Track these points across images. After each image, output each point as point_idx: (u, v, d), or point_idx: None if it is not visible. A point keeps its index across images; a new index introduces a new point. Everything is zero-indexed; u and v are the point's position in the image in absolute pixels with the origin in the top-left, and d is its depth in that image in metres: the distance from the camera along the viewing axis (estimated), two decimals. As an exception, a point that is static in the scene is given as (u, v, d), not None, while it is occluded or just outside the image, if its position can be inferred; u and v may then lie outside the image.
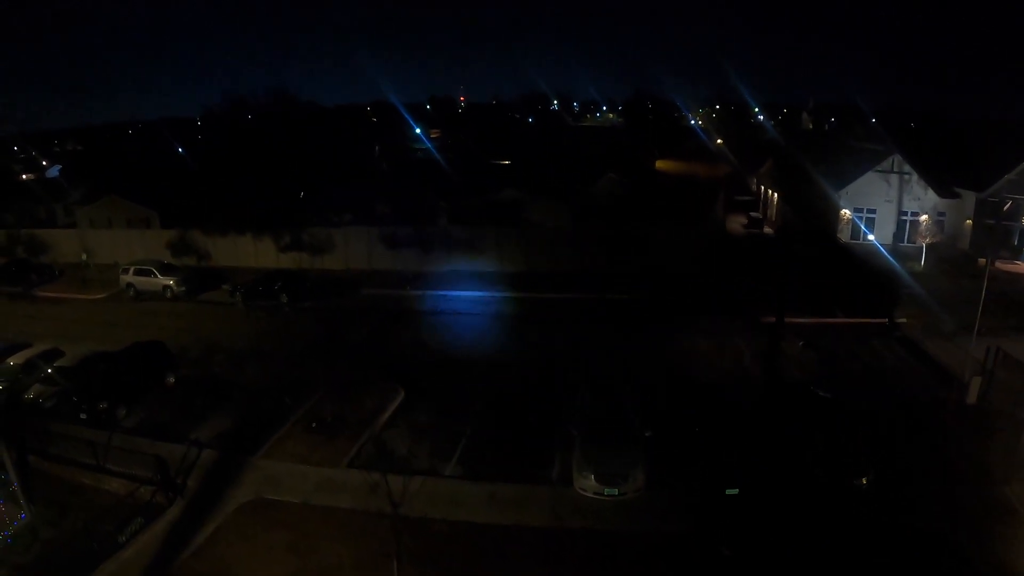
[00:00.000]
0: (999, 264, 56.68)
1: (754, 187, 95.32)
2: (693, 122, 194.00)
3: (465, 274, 57.53)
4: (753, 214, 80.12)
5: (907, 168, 62.20)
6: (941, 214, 62.99)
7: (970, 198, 61.79)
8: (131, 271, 56.30)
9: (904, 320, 43.93)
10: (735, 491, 25.41)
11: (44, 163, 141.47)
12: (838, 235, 64.17)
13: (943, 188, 62.99)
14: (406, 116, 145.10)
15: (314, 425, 31.90)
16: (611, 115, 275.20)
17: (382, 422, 32.53)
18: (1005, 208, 59.75)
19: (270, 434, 31.37)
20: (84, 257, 59.74)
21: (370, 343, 43.96)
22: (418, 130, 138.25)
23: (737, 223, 78.70)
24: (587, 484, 25.96)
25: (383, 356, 41.21)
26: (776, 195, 78.94)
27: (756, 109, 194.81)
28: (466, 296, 52.96)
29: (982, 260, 46.55)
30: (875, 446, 28.03)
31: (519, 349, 42.14)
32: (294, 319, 49.31)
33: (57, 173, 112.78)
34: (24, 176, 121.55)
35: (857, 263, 55.68)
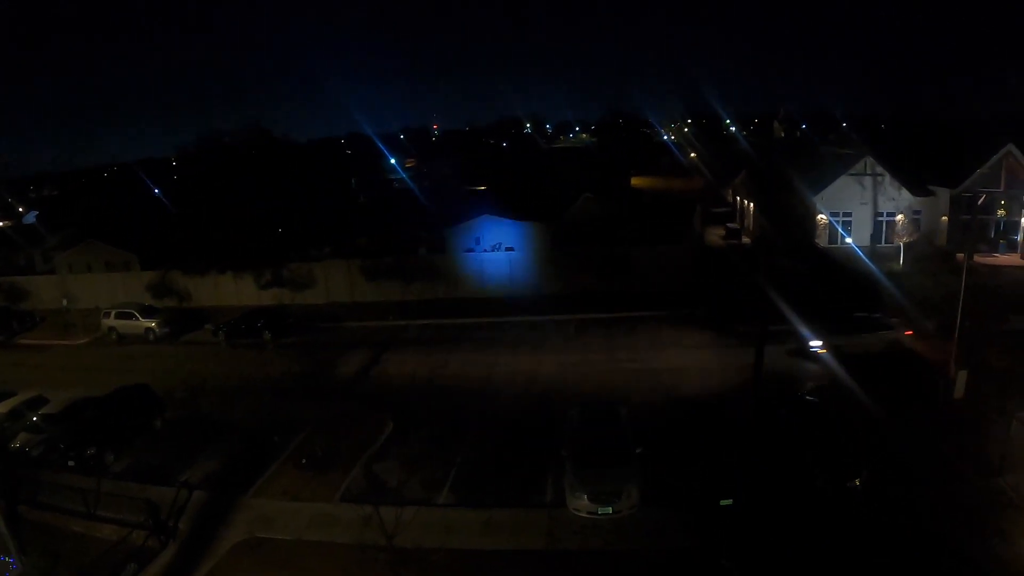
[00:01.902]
0: (977, 258, 57.33)
1: (730, 198, 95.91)
2: (666, 137, 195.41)
3: (448, 301, 57.63)
4: (731, 225, 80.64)
5: (880, 169, 62.91)
6: (917, 212, 63.84)
7: (944, 195, 62.64)
8: (112, 315, 56.12)
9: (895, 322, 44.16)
10: (729, 502, 25.44)
11: (20, 209, 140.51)
12: (816, 240, 64.68)
13: (917, 187, 63.77)
14: (381, 147, 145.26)
15: (304, 461, 31.71)
16: (584, 135, 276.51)
17: (373, 454, 32.38)
18: (979, 202, 60.56)
19: (260, 472, 31.18)
20: (65, 303, 59.37)
21: (356, 375, 43.92)
22: (393, 160, 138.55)
23: (716, 235, 79.28)
24: (581, 504, 25.92)
25: (370, 388, 41.29)
26: (752, 205, 79.51)
27: (727, 121, 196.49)
28: (450, 323, 52.99)
29: (960, 255, 47.00)
30: (866, 446, 28.21)
31: (506, 373, 42.12)
32: (278, 356, 48.94)
33: (34, 219, 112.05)
34: (0, 223, 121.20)
35: (836, 267, 56.16)
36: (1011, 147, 60.70)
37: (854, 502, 25.60)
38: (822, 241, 65.17)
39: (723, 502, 25.45)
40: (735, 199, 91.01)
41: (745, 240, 76.38)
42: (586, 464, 27.12)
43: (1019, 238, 62.34)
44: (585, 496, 25.84)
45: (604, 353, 44.50)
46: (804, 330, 41.55)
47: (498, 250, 65.15)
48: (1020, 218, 62.19)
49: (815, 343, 40.96)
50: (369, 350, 48.33)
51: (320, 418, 35.99)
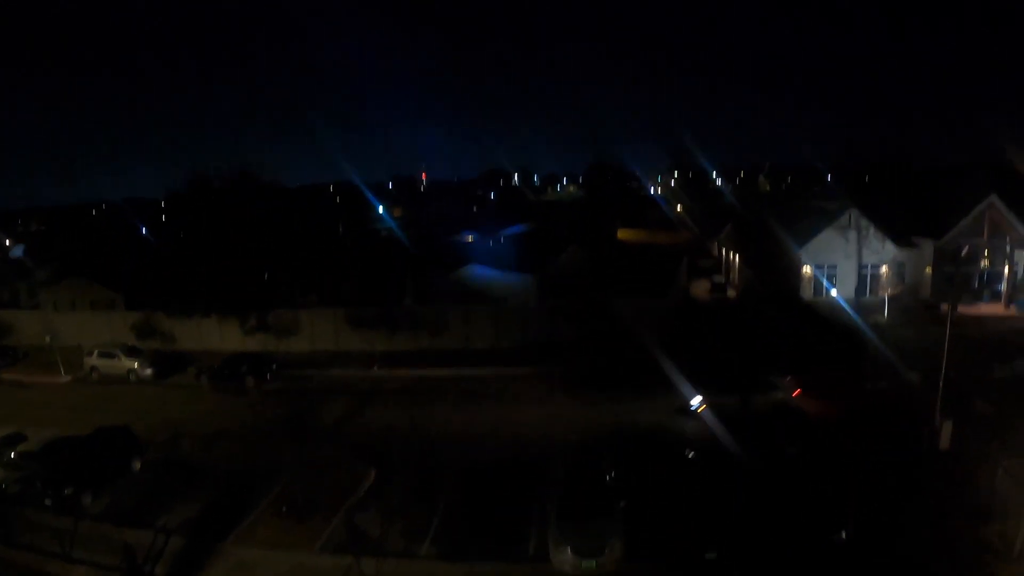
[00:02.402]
0: (962, 308, 57.73)
1: (716, 251, 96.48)
2: (652, 191, 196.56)
3: (433, 352, 57.26)
4: (716, 278, 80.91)
5: (864, 222, 63.71)
6: (901, 264, 64.85)
7: (928, 246, 63.48)
8: (95, 354, 55.76)
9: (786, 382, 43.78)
10: (714, 555, 25.21)
11: (7, 243, 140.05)
12: (801, 293, 64.94)
13: (901, 239, 64.59)
14: (369, 196, 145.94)
15: (284, 509, 31.27)
16: (572, 188, 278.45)
17: (354, 503, 31.98)
18: (963, 254, 61.16)
19: (240, 519, 30.70)
20: (48, 339, 58.87)
21: (339, 423, 43.51)
22: (381, 209, 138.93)
23: (701, 288, 79.41)
24: (564, 558, 25.56)
25: (353, 436, 40.79)
26: (738, 258, 79.94)
27: (714, 174, 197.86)
28: (434, 374, 52.61)
29: (945, 306, 47.43)
30: (851, 499, 28.07)
31: (490, 424, 41.76)
32: (261, 401, 48.38)
33: (21, 253, 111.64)
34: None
35: (821, 320, 56.31)
36: (994, 198, 61.79)
37: (838, 555, 25.44)
38: (807, 294, 65.56)
39: (708, 555, 25.24)
40: (721, 252, 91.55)
41: (731, 294, 76.56)
42: (570, 517, 26.83)
43: (1003, 288, 63.16)
44: (568, 549, 25.50)
45: (586, 404, 44.21)
46: (687, 389, 42.23)
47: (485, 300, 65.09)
48: (1003, 268, 62.96)
49: (694, 401, 41.24)
50: (353, 398, 47.98)
51: (301, 465, 35.52)
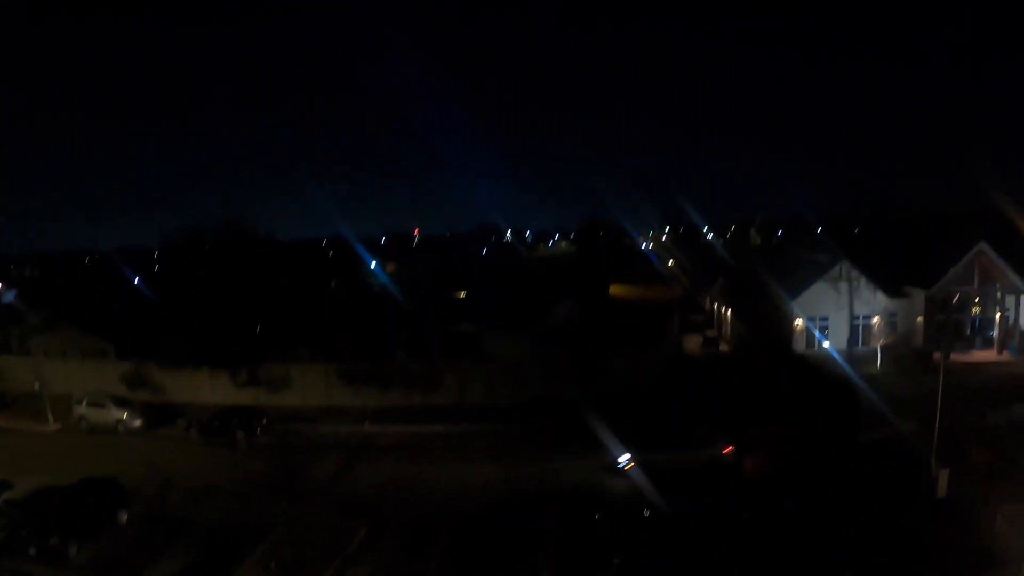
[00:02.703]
0: (954, 356, 57.83)
1: (707, 306, 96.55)
2: (644, 246, 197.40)
3: (426, 408, 56.62)
4: (708, 332, 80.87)
5: (855, 273, 64.08)
6: (892, 314, 64.99)
7: (919, 296, 63.85)
8: (85, 403, 55.24)
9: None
10: None
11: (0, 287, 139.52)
12: (793, 346, 64.91)
13: (892, 289, 64.98)
14: (361, 251, 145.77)
15: (273, 565, 30.73)
16: (564, 243, 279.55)
17: (344, 560, 31.43)
18: (954, 302, 61.47)
19: (228, 574, 30.13)
20: (37, 387, 58.41)
21: (329, 479, 42.90)
22: (373, 264, 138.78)
23: (694, 343, 79.31)
24: None
25: (343, 492, 40.27)
26: (730, 312, 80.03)
27: (705, 229, 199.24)
28: (427, 431, 52.12)
29: (937, 355, 47.51)
30: (851, 550, 27.86)
31: (483, 480, 41.22)
32: (251, 455, 48.02)
33: (13, 298, 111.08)
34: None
35: (813, 373, 56.15)
36: (983, 245, 62.40)
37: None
38: (800, 346, 65.50)
39: None
40: (713, 306, 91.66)
41: (724, 348, 76.47)
42: (565, 573, 26.49)
43: (995, 334, 63.48)
44: None
45: (583, 459, 43.59)
46: (615, 446, 42.13)
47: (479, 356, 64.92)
48: (995, 315, 63.32)
49: (622, 458, 41.11)
50: (344, 454, 47.40)
51: (291, 521, 35.11)
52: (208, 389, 61.15)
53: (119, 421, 53.91)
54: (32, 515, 33.19)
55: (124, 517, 36.23)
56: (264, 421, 52.95)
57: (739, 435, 40.99)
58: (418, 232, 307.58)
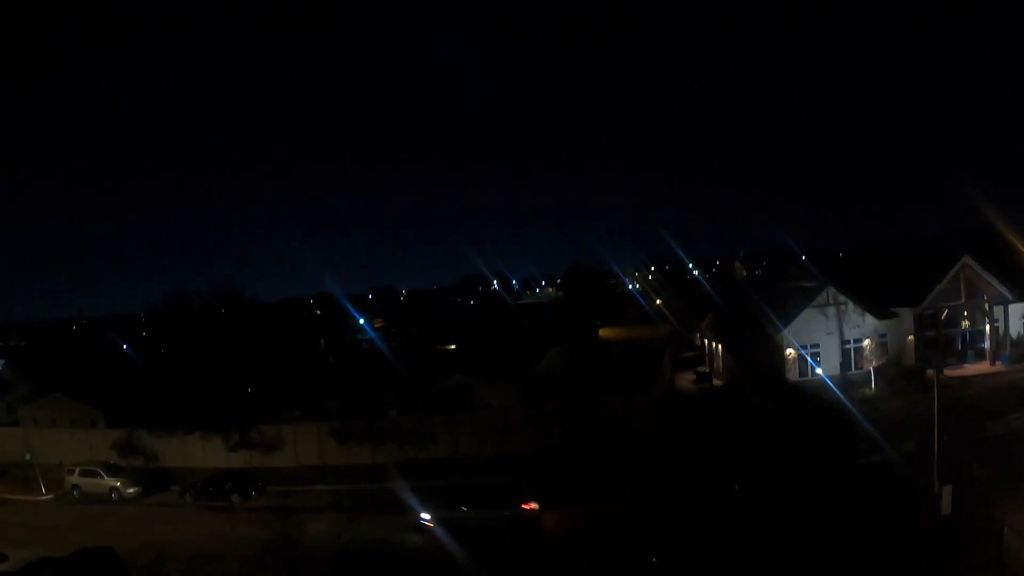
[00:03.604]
0: (947, 371, 57.95)
1: (698, 342, 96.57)
2: (631, 287, 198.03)
3: (420, 463, 56.13)
4: (700, 369, 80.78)
5: (842, 298, 64.33)
6: (883, 335, 65.15)
7: (908, 315, 64.37)
8: (76, 472, 54.75)
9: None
10: None
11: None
12: (786, 375, 64.82)
13: (880, 310, 65.32)
14: (349, 308, 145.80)
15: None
16: (551, 290, 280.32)
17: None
18: (943, 317, 61.76)
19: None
20: (28, 456, 57.81)
21: (326, 540, 42.03)
22: (362, 320, 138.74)
23: (686, 380, 79.20)
24: None
25: (340, 553, 39.58)
26: (720, 346, 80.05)
27: (690, 265, 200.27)
28: (424, 485, 51.27)
29: (930, 372, 47.61)
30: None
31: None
32: (247, 519, 47.29)
33: (0, 368, 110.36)
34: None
35: (807, 401, 56.04)
36: (967, 258, 63.38)
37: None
38: (792, 375, 65.38)
39: None
40: (703, 342, 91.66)
41: (717, 383, 76.30)
42: None
43: (986, 346, 63.75)
44: None
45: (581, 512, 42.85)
46: (418, 504, 43.13)
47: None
48: (985, 326, 63.60)
49: (424, 516, 41.77)
50: (340, 513, 46.73)
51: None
52: (201, 453, 60.53)
53: (112, 489, 53.26)
54: (27, 588, 32.60)
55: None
56: (259, 484, 52.34)
57: (544, 493, 41.04)
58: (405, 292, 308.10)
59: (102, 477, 53.96)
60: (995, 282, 63.91)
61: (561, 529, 37.94)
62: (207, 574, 37.90)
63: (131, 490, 53.47)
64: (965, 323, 65.85)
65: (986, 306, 64.29)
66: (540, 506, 40.02)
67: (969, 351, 65.27)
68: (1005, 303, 64.55)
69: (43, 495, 55.36)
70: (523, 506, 40.43)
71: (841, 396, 55.62)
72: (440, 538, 38.65)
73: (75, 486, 54.64)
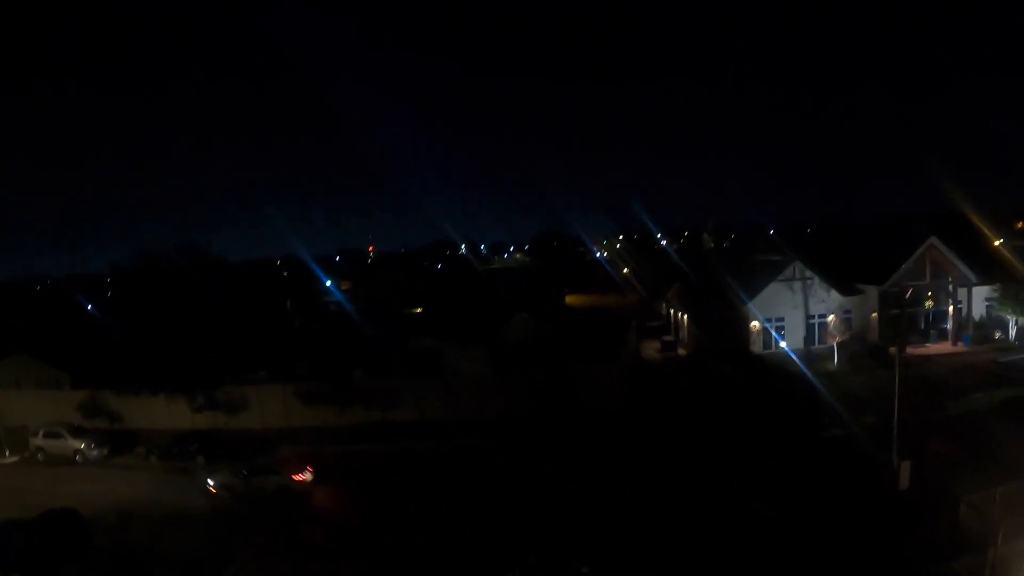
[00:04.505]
0: (910, 349, 58.86)
1: (664, 311, 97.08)
2: (599, 255, 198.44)
3: (386, 426, 56.33)
4: (666, 338, 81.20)
5: (809, 273, 65.28)
6: (847, 312, 66.18)
7: (873, 292, 65.26)
8: (41, 434, 54.27)
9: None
10: None
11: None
12: (751, 347, 65.53)
13: (846, 287, 66.34)
14: (316, 270, 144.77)
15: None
16: (519, 255, 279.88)
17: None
18: (907, 296, 62.60)
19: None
20: (-8, 419, 57.46)
21: (291, 503, 42.27)
22: (329, 283, 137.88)
23: (652, 348, 79.66)
24: None
25: (306, 516, 39.93)
26: (686, 316, 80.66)
27: (659, 235, 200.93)
28: (389, 450, 51.64)
29: (892, 350, 48.32)
30: (818, 546, 28.12)
31: (447, 498, 40.87)
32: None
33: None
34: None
35: (771, 373, 56.68)
36: (934, 239, 63.96)
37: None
38: (757, 347, 66.18)
39: None
40: (669, 312, 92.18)
41: (681, 352, 76.90)
42: None
43: (949, 326, 64.75)
44: None
45: (544, 475, 43.13)
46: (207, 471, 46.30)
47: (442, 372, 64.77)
48: (948, 307, 64.60)
49: (210, 482, 44.30)
50: (304, 477, 46.90)
51: (254, 549, 34.75)
52: (166, 414, 60.14)
53: (77, 451, 52.92)
54: (-9, 552, 32.40)
55: (86, 550, 35.56)
56: (224, 445, 52.10)
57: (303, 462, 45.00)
58: (373, 249, 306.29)
59: (67, 439, 53.51)
60: (960, 264, 64.83)
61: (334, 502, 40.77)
62: (172, 536, 37.70)
63: (96, 452, 53.18)
64: (929, 303, 66.96)
65: (950, 287, 65.31)
66: (314, 478, 43.19)
67: (932, 331, 66.42)
68: (969, 285, 65.53)
69: (7, 458, 54.98)
70: (294, 477, 43.19)
71: (805, 370, 56.33)
72: (222, 502, 41.92)
73: (39, 448, 54.18)
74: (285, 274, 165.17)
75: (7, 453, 55.35)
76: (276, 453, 52.17)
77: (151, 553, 35.44)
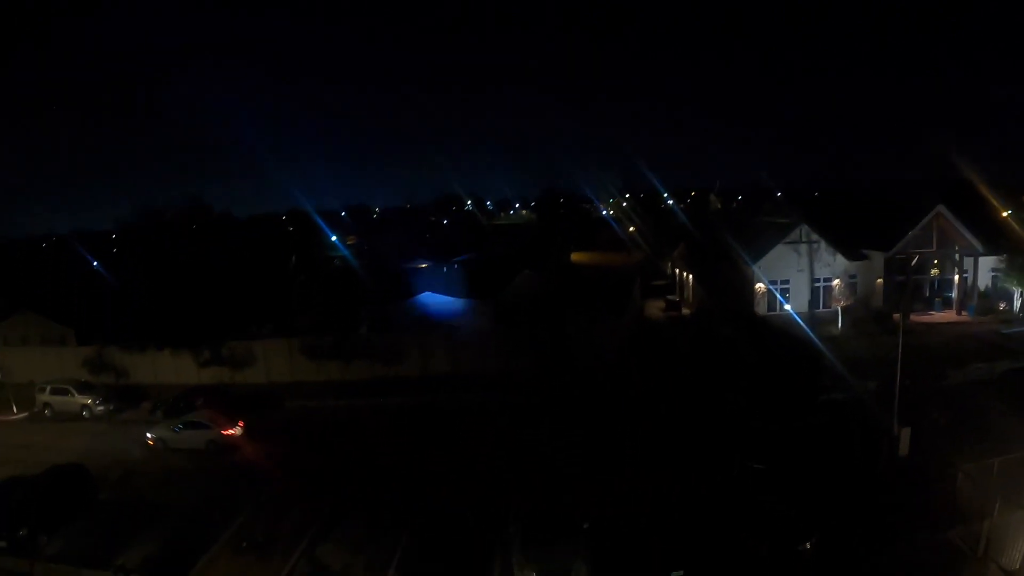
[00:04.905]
0: (914, 317, 58.83)
1: (669, 271, 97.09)
2: (605, 213, 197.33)
3: (390, 380, 56.76)
4: (670, 297, 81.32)
5: (815, 237, 65.11)
6: (852, 276, 66.11)
7: (879, 258, 64.94)
8: (47, 390, 54.53)
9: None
10: (680, 573, 25.17)
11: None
12: (755, 309, 65.57)
13: (852, 251, 66.07)
14: (321, 225, 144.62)
15: (244, 544, 30.75)
16: (525, 212, 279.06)
17: (314, 536, 31.41)
18: (913, 263, 62.40)
19: (199, 556, 30.02)
20: (-2, 376, 57.84)
21: (297, 456, 42.75)
22: (334, 237, 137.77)
23: (656, 308, 79.84)
24: None
25: (311, 469, 40.14)
26: (691, 277, 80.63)
27: (665, 195, 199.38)
28: (392, 403, 51.96)
29: (896, 316, 48.32)
30: (816, 510, 28.26)
31: (450, 453, 41.16)
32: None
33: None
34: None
35: (775, 335, 56.69)
36: (941, 207, 63.45)
37: (805, 565, 25.58)
38: (761, 309, 66.25)
39: (674, 574, 25.18)
40: (674, 271, 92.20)
41: (685, 312, 76.97)
42: (534, 541, 26.63)
43: (954, 295, 64.63)
44: (534, 574, 25.32)
45: (545, 431, 43.43)
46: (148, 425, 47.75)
47: (440, 327, 64.94)
48: (954, 276, 64.42)
49: (148, 434, 45.61)
50: (309, 430, 47.45)
51: (260, 500, 35.11)
52: (172, 370, 60.63)
53: (83, 407, 53.30)
54: (0, 507, 32.83)
55: (93, 504, 35.95)
56: (229, 400, 52.25)
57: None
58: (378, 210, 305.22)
59: (73, 395, 53.84)
60: (967, 233, 64.45)
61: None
62: (178, 488, 38.23)
63: (102, 408, 53.59)
64: (934, 271, 66.71)
65: (956, 256, 64.92)
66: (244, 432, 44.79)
67: (936, 299, 66.18)
68: (975, 255, 65.16)
69: (14, 414, 55.36)
70: (222, 432, 44.21)
71: (809, 332, 56.44)
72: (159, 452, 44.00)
73: (46, 404, 54.44)
74: (291, 229, 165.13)
75: (14, 409, 55.67)
76: (279, 406, 53.29)
77: (156, 506, 35.84)
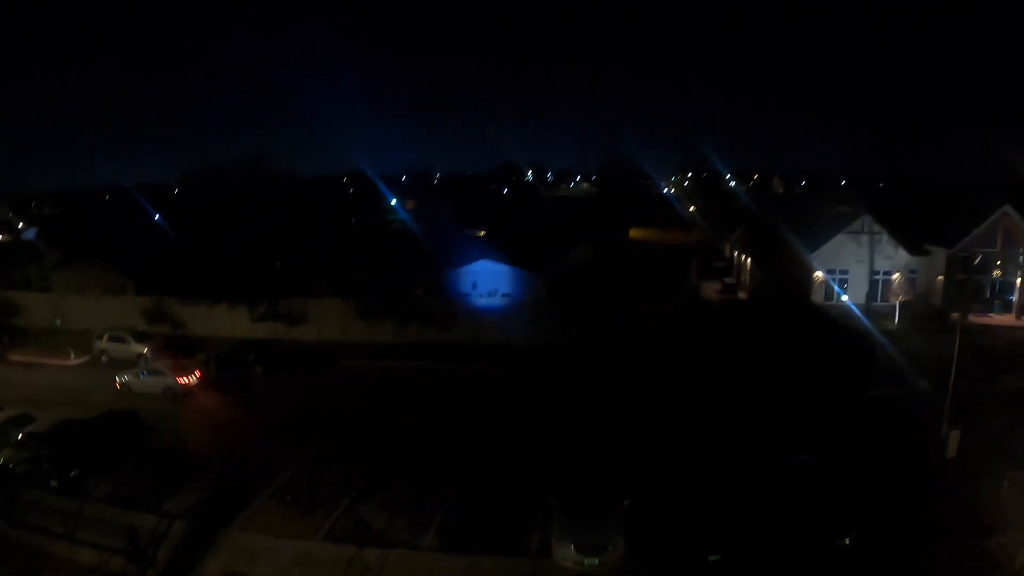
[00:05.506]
0: (972, 318, 57.58)
1: (727, 253, 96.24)
2: (666, 190, 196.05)
3: (441, 346, 57.01)
4: (727, 280, 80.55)
5: (877, 228, 63.80)
6: (912, 271, 64.65)
7: (940, 255, 63.35)
8: (105, 338, 55.69)
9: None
10: (717, 557, 25.13)
11: (20, 225, 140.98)
12: (812, 297, 64.75)
13: (913, 246, 64.59)
14: (382, 188, 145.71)
15: (288, 498, 31.35)
16: (585, 184, 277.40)
17: (358, 495, 31.85)
18: (975, 262, 60.98)
19: (244, 507, 30.75)
20: (58, 322, 59.10)
21: (345, 415, 43.16)
22: (394, 201, 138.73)
23: (711, 289, 79.09)
24: (567, 555, 25.51)
25: (359, 429, 40.58)
26: (749, 260, 79.74)
27: (727, 176, 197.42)
28: (443, 369, 52.28)
29: (955, 315, 47.37)
30: (857, 505, 27.96)
31: (495, 422, 41.32)
32: (268, 390, 48.60)
33: (33, 236, 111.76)
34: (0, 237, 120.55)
35: (830, 325, 55.94)
36: (1008, 208, 61.71)
37: (843, 560, 25.36)
38: (818, 298, 65.33)
39: (711, 557, 25.14)
40: (733, 254, 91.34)
41: (742, 296, 76.29)
42: (574, 514, 26.79)
43: (1014, 298, 63.09)
44: (572, 547, 25.46)
45: (593, 405, 43.30)
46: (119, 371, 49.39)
47: (494, 296, 65.10)
48: (1016, 278, 62.90)
49: (117, 378, 48.05)
50: (359, 390, 47.87)
51: (306, 456, 35.63)
52: (227, 323, 61.57)
53: (139, 355, 54.34)
54: (53, 448, 33.75)
55: (144, 450, 36.90)
56: (281, 356, 53.61)
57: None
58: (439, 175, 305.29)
59: (130, 343, 54.99)
60: (1033, 236, 62.53)
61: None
62: (227, 440, 39.11)
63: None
64: (997, 272, 64.87)
65: (1021, 258, 63.10)
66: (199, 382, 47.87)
67: (996, 301, 64.35)
68: (1040, 258, 63.23)
69: (72, 359, 56.61)
70: (178, 380, 46.48)
71: (866, 324, 55.70)
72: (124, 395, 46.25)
73: (103, 351, 55.58)
74: (351, 191, 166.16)
75: (72, 355, 56.92)
76: (332, 364, 54.06)
77: (205, 455, 36.84)
